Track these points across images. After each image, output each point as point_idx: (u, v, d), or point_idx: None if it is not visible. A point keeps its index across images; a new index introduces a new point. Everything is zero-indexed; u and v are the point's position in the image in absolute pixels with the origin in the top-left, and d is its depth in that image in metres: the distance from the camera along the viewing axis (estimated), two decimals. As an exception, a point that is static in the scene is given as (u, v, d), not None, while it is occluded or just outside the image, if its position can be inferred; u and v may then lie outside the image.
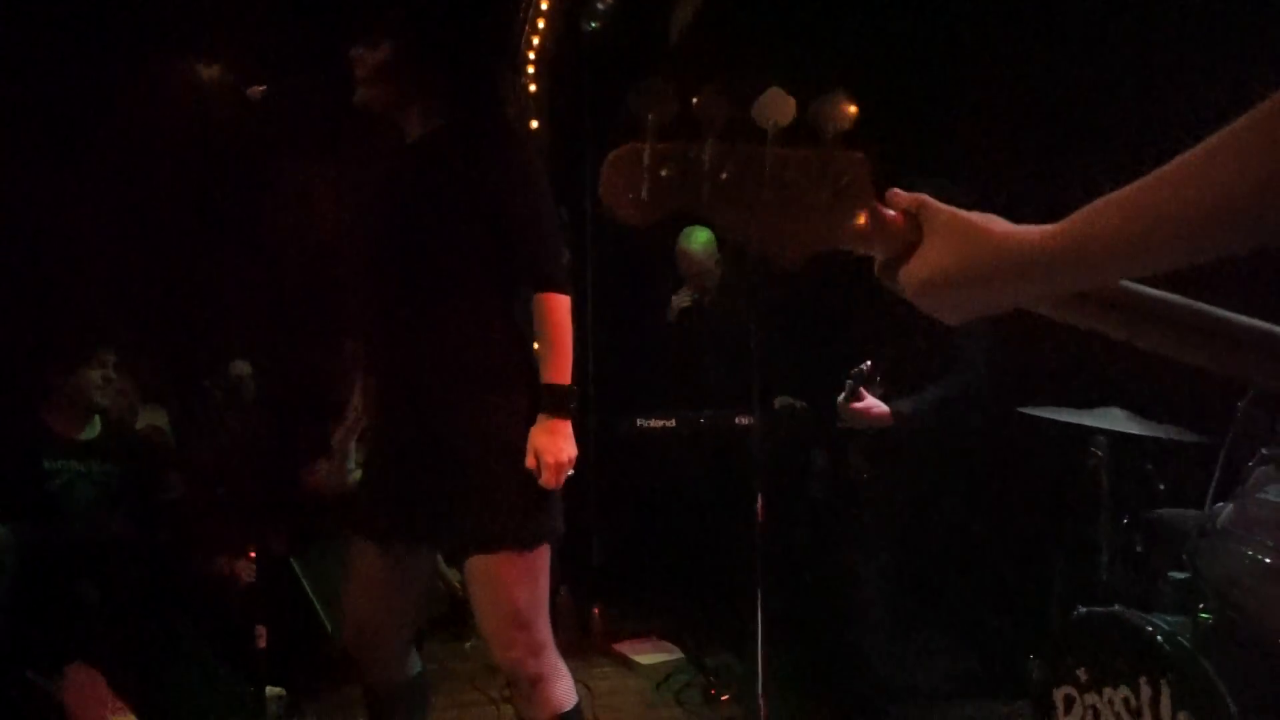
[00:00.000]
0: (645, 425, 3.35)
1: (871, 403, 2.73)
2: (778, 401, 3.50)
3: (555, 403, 1.80)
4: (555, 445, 1.78)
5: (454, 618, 3.83)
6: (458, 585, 3.96)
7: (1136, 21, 2.52)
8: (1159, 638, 1.86)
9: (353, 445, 3.95)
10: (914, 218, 0.73)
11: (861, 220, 0.70)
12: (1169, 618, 1.94)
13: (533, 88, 4.20)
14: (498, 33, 4.14)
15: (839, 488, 3.23)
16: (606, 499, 3.93)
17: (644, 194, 0.69)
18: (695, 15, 3.89)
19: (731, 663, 3.38)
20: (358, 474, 3.94)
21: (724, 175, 0.68)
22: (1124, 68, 2.58)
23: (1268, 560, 1.67)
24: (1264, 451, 1.82)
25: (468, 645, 3.68)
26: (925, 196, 0.73)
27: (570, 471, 1.81)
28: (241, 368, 3.91)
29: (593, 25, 3.75)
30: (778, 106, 0.67)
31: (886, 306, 2.85)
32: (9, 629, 2.48)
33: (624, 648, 3.68)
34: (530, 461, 1.78)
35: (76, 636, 2.61)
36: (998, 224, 0.70)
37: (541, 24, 4.10)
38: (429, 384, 1.82)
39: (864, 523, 2.95)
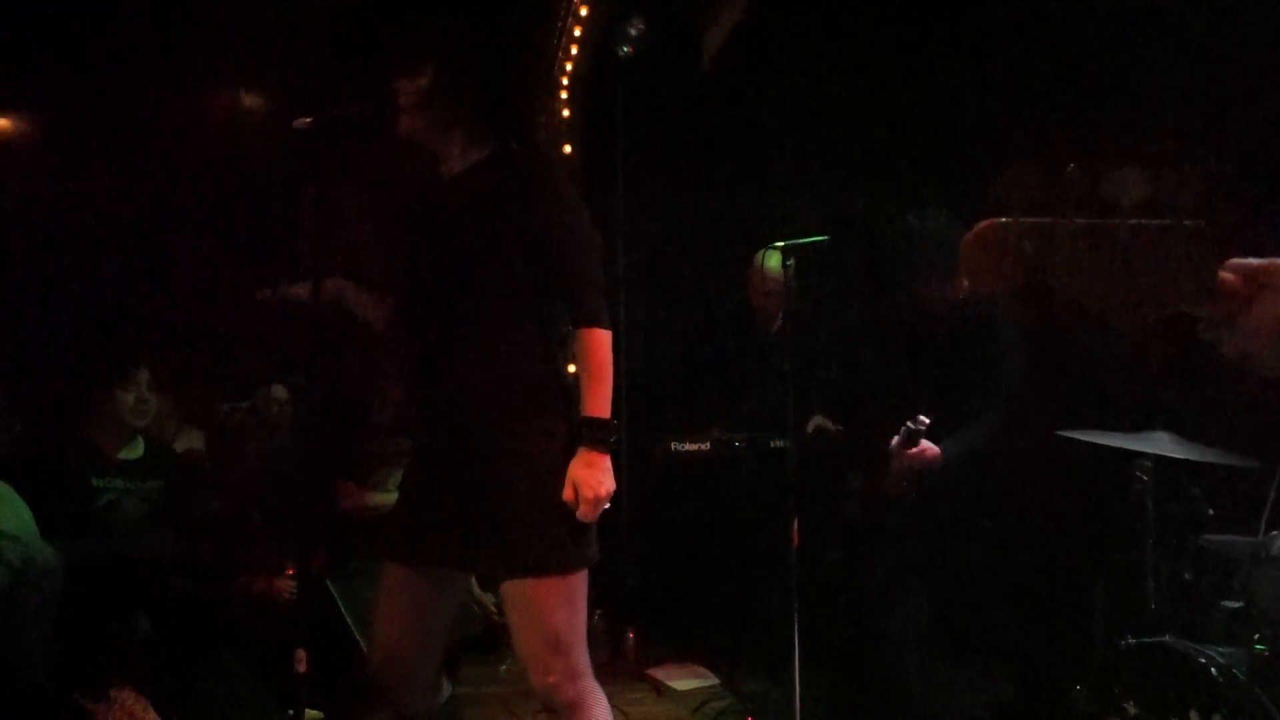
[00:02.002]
0: (680, 448, 3.34)
1: (925, 445, 2.73)
2: (811, 424, 3.48)
3: (595, 436, 1.81)
4: (594, 478, 1.80)
5: (488, 641, 3.83)
6: (493, 609, 3.97)
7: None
8: (1212, 669, 1.82)
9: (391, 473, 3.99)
10: (1253, 279, 0.80)
11: (1203, 286, 0.77)
12: (1221, 649, 1.90)
13: (566, 113, 4.25)
14: (534, 58, 4.20)
15: (875, 511, 3.20)
16: (641, 522, 3.92)
17: (1009, 264, 0.75)
18: (727, 41, 3.92)
19: (767, 689, 3.34)
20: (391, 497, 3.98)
21: (1082, 248, 0.74)
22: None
23: (1325, 590, 1.63)
24: (1319, 477, 1.78)
25: (502, 668, 3.68)
26: (1275, 261, 0.81)
27: (607, 505, 1.82)
28: (279, 391, 3.96)
29: (625, 50, 3.79)
30: (1132, 184, 0.73)
31: (927, 336, 2.84)
32: (56, 650, 2.51)
33: (659, 673, 3.65)
34: (568, 494, 1.80)
35: (123, 659, 2.64)
36: None
37: (575, 50, 4.15)
38: (469, 411, 1.85)
39: (901, 547, 2.91)
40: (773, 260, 3.52)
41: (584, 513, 1.79)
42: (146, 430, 3.10)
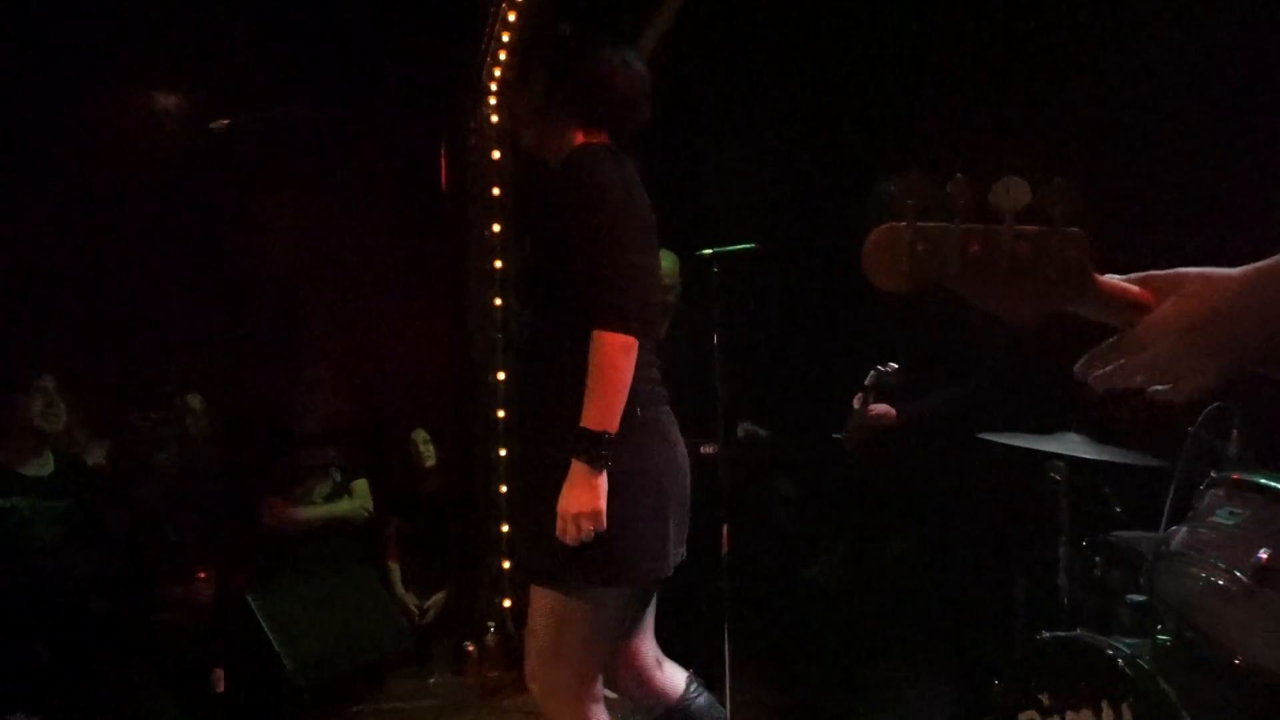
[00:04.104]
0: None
1: (884, 408, 2.77)
2: (741, 429, 3.51)
3: (579, 448, 1.69)
4: (568, 494, 1.69)
5: (417, 653, 3.76)
6: (414, 609, 3.91)
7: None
8: (1119, 660, 1.88)
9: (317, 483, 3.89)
10: (1159, 286, 0.85)
11: (1079, 289, 0.83)
12: (1129, 640, 1.97)
13: (495, 118, 4.21)
14: (460, 64, 4.16)
15: (804, 516, 3.24)
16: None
17: (904, 267, 0.81)
18: (656, 47, 3.94)
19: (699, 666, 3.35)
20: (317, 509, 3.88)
21: (971, 251, 0.81)
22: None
23: (1220, 582, 1.71)
24: (1214, 475, 1.86)
25: (432, 681, 3.62)
26: (1180, 271, 0.86)
27: (588, 527, 1.69)
28: (194, 401, 3.83)
29: (554, 57, 3.77)
30: (1014, 192, 0.80)
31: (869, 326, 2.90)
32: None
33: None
34: None
35: (24, 685, 2.52)
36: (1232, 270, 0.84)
37: (503, 55, 4.12)
38: (527, 415, 1.92)
39: (829, 552, 2.96)
40: (665, 262, 3.56)
41: (558, 530, 1.69)
42: (57, 443, 2.96)
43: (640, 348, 1.74)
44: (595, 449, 1.69)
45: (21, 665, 2.58)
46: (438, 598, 4.04)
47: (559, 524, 1.70)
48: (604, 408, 1.70)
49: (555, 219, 1.80)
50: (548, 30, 1.97)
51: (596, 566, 1.74)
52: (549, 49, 1.93)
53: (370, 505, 3.94)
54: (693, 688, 2.03)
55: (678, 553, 1.88)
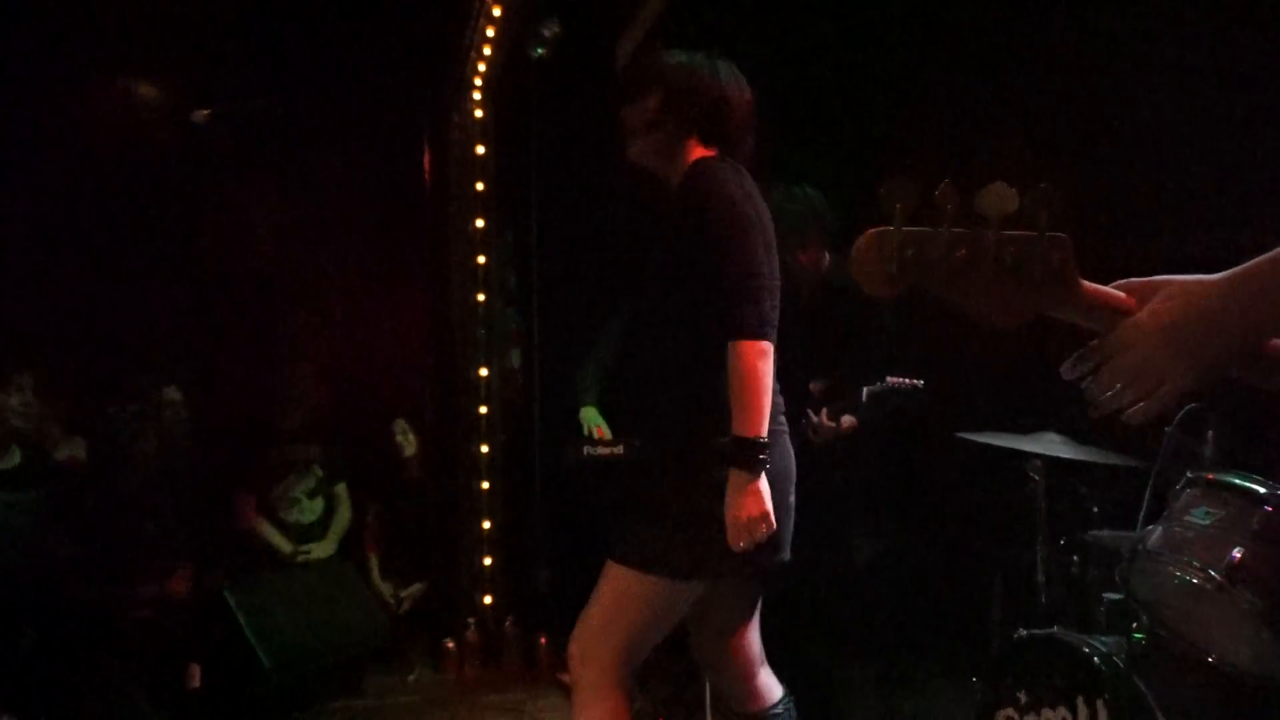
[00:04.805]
0: (592, 453, 3.33)
1: (850, 419, 2.84)
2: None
3: (736, 455, 1.74)
4: (735, 502, 1.73)
5: (396, 649, 3.75)
6: (390, 599, 3.89)
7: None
8: (1095, 658, 1.90)
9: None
10: (1139, 291, 0.87)
11: (1070, 293, 0.84)
12: (1105, 638, 1.99)
13: (479, 114, 4.19)
14: (444, 57, 4.14)
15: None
16: (553, 527, 3.90)
17: (893, 270, 0.81)
18: (640, 43, 3.94)
19: (679, 690, 3.36)
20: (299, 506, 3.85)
21: (958, 255, 0.81)
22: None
23: (1194, 580, 1.72)
24: (1190, 475, 1.89)
25: (410, 678, 3.61)
26: (1160, 277, 0.87)
27: (763, 529, 1.73)
28: (172, 394, 3.79)
29: (539, 52, 3.77)
30: (1001, 198, 0.80)
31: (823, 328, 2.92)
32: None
33: (571, 678, 3.63)
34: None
35: (2, 683, 2.49)
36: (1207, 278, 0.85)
37: (488, 50, 4.10)
38: (645, 421, 1.95)
39: (805, 550, 2.97)
40: None
41: (731, 541, 1.73)
42: (26, 437, 2.93)
43: None
44: (752, 455, 1.73)
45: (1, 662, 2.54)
46: (415, 588, 4.02)
47: (732, 534, 1.73)
48: (754, 414, 1.73)
49: (681, 231, 1.84)
50: (665, 45, 2.00)
51: (669, 555, 1.79)
52: (670, 66, 1.96)
53: (349, 516, 3.91)
54: (785, 702, 2.06)
55: (780, 555, 1.91)
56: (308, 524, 3.82)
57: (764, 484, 1.74)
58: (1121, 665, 1.87)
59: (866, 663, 2.86)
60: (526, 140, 3.94)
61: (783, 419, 1.93)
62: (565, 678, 3.64)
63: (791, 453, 1.94)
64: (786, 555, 1.93)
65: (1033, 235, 0.82)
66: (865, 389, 2.80)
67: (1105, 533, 2.32)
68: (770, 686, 2.06)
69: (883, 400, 2.78)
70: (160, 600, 3.01)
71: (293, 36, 4.13)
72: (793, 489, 1.92)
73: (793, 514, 1.93)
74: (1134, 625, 1.92)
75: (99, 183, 4.00)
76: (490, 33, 4.02)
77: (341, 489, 3.93)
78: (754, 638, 2.05)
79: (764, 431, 1.74)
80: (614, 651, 1.83)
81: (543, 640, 3.82)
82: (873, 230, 0.82)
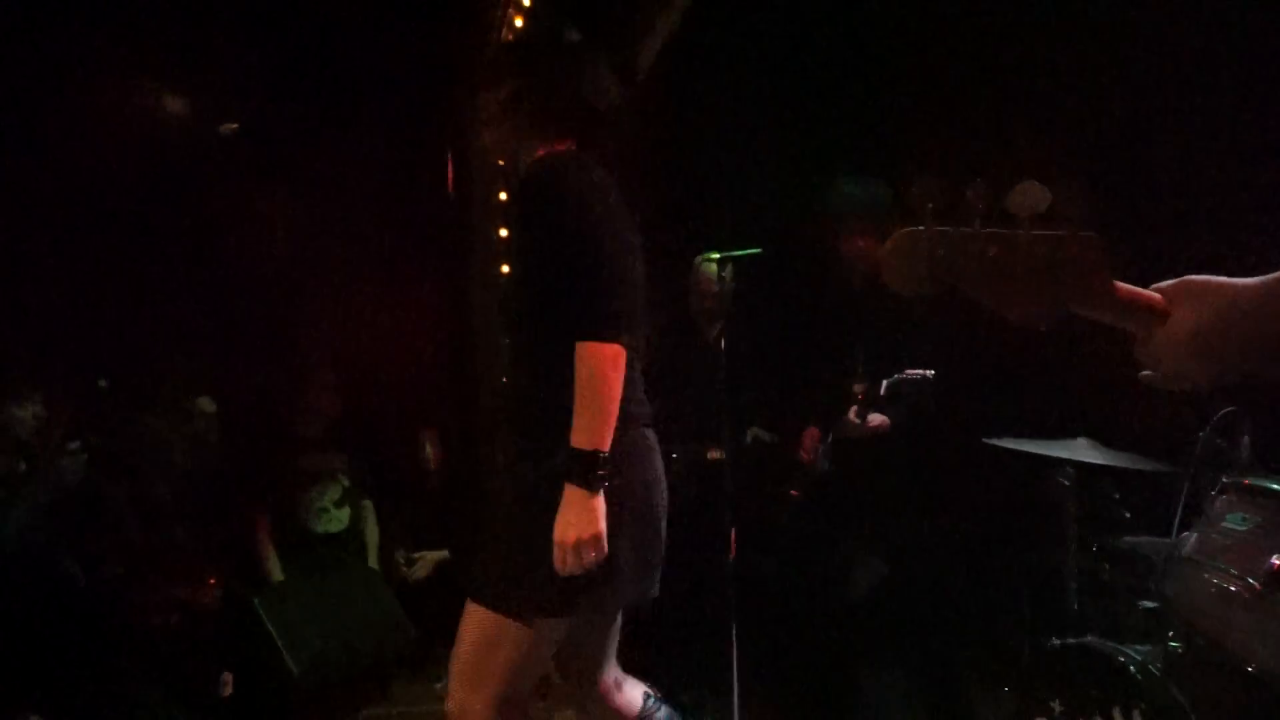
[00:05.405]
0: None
1: (881, 417, 2.82)
2: (750, 434, 3.51)
3: (570, 469, 1.58)
4: (564, 520, 1.58)
5: (421, 656, 3.76)
6: (402, 563, 3.86)
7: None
8: (1131, 667, 1.88)
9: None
10: (1171, 293, 0.86)
11: (1102, 293, 0.83)
12: (1140, 647, 1.96)
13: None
14: (467, 65, 4.16)
15: (811, 520, 3.24)
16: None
17: (924, 270, 0.81)
18: (659, 55, 3.95)
19: (706, 699, 3.34)
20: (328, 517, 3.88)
21: (989, 255, 0.81)
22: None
23: (1231, 588, 1.70)
24: (1225, 480, 1.86)
25: (438, 686, 3.61)
26: (1189, 278, 0.86)
27: (592, 554, 1.58)
28: (205, 404, 3.84)
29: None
30: (1033, 197, 0.80)
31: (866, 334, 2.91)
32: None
33: (596, 686, 3.62)
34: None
35: (30, 689, 2.52)
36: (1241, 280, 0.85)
37: (510, 60, 4.12)
38: (498, 430, 1.80)
39: (835, 558, 2.95)
40: (711, 266, 3.55)
41: (556, 560, 1.58)
42: (35, 448, 2.96)
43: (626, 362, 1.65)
44: (589, 470, 1.58)
45: (27, 659, 2.57)
46: (431, 554, 3.95)
47: (557, 555, 1.58)
48: (595, 424, 1.58)
49: (525, 229, 1.73)
50: (523, 34, 1.92)
51: (543, 593, 1.63)
52: (518, 53, 1.89)
53: (378, 531, 3.91)
54: (650, 703, 1.96)
55: (649, 583, 1.77)
56: (335, 533, 3.84)
57: (600, 503, 1.58)
58: (1158, 674, 1.85)
59: (895, 673, 2.84)
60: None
61: (650, 434, 1.77)
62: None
63: (662, 472, 1.78)
64: (655, 590, 1.78)
65: (1064, 234, 0.82)
66: (884, 381, 2.79)
67: (1138, 539, 2.29)
68: (632, 697, 1.95)
69: (899, 392, 2.77)
70: (190, 607, 3.04)
71: (317, 46, 4.18)
72: (664, 514, 1.76)
73: (664, 540, 1.77)
74: (1170, 633, 1.89)
75: (134, 192, 4.05)
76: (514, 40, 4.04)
77: (368, 507, 3.94)
78: (613, 663, 1.94)
79: (605, 445, 1.58)
80: (489, 703, 1.68)
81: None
82: (903, 230, 0.82)
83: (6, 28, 3.71)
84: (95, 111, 3.98)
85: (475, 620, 1.70)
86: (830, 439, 2.93)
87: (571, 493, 1.58)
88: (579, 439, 1.59)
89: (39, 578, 2.73)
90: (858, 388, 2.79)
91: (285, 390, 4.00)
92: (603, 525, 1.59)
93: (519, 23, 3.95)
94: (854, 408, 2.84)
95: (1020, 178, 0.81)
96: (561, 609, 1.66)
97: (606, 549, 1.60)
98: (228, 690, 2.14)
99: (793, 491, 3.00)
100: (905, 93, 3.35)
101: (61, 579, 2.80)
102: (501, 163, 1.77)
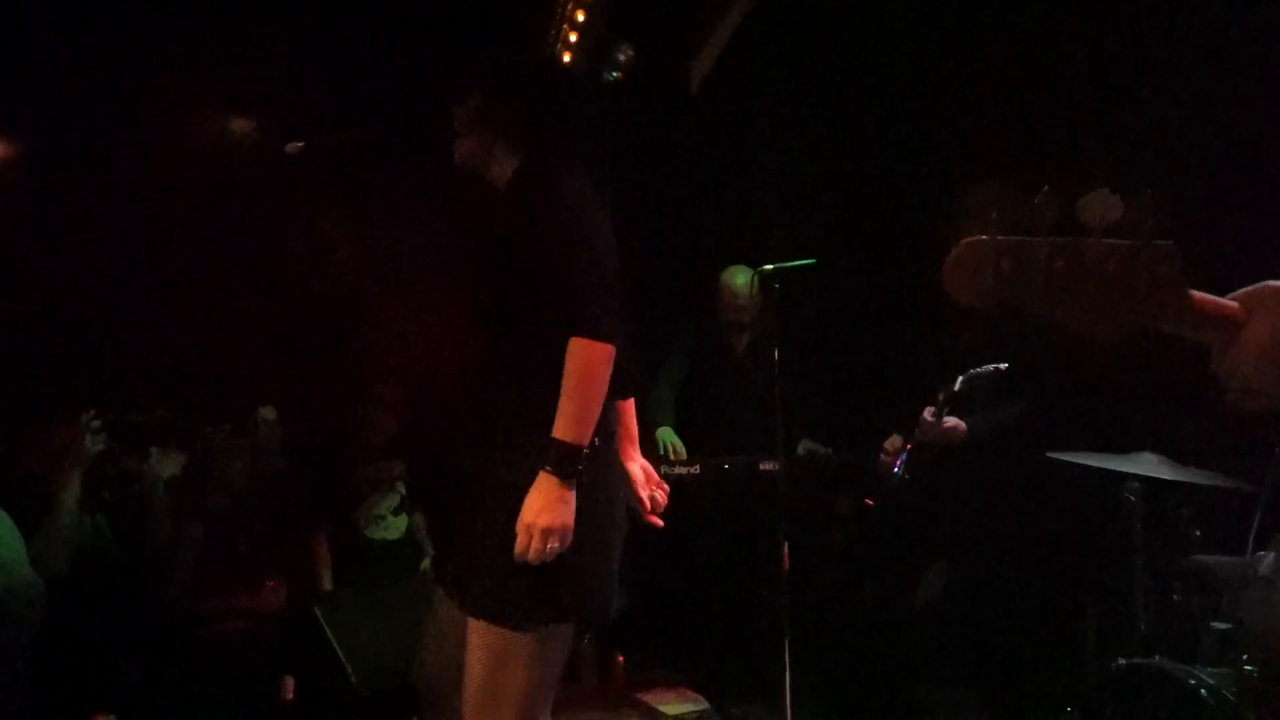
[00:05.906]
0: (670, 472, 3.33)
1: (955, 421, 2.82)
2: (802, 447, 3.49)
3: (553, 460, 1.57)
4: (533, 505, 1.56)
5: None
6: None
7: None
8: (1202, 690, 1.82)
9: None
10: (1249, 300, 0.84)
11: (1172, 304, 0.80)
12: (1211, 669, 1.90)
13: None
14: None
15: (865, 535, 3.20)
16: (630, 545, 3.90)
17: (989, 282, 0.78)
18: (714, 66, 3.96)
19: (759, 712, 3.32)
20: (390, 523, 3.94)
21: (1057, 266, 0.78)
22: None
23: (1312, 610, 1.64)
24: (1304, 498, 1.79)
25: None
26: (1268, 283, 0.83)
27: (554, 545, 1.56)
28: (267, 413, 3.93)
29: (614, 75, 3.82)
30: (1104, 206, 0.77)
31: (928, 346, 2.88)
32: (34, 677, 2.47)
33: (649, 697, 3.62)
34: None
35: (103, 689, 2.60)
36: None
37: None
38: (471, 431, 1.75)
39: (892, 572, 2.92)
40: (740, 279, 3.56)
41: (518, 545, 1.56)
42: (101, 461, 3.04)
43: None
44: (569, 461, 1.57)
45: (100, 661, 2.65)
46: None
47: (520, 539, 1.56)
48: (580, 419, 1.58)
49: (511, 231, 1.73)
50: (503, 47, 1.93)
51: (556, 598, 1.60)
52: (490, 68, 1.89)
53: (431, 545, 3.95)
54: None
55: (608, 605, 1.77)
56: (393, 540, 3.90)
57: (572, 497, 1.57)
58: (1231, 698, 1.78)
59: (958, 692, 2.79)
60: (599, 163, 3.99)
61: (615, 447, 1.76)
62: (643, 696, 3.64)
63: (622, 495, 1.78)
64: (614, 609, 1.77)
65: (1138, 245, 0.79)
66: (959, 377, 2.77)
67: (1209, 558, 2.22)
68: None
69: (975, 385, 2.75)
70: (253, 613, 3.12)
71: (383, 65, 4.27)
72: (622, 530, 1.77)
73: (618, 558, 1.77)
74: (1244, 656, 1.83)
75: (200, 210, 4.18)
76: (566, 58, 4.09)
77: (419, 521, 3.98)
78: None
79: (586, 441, 1.58)
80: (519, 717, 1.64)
81: (620, 659, 3.82)
82: (967, 240, 0.79)
83: (76, 51, 3.86)
84: (170, 140, 4.12)
85: (482, 638, 1.65)
86: (909, 449, 2.89)
87: (546, 480, 1.57)
88: (562, 431, 1.59)
89: (112, 583, 2.82)
90: (942, 397, 2.78)
91: (347, 401, 4.08)
92: (570, 519, 1.58)
93: (574, 39, 4.00)
94: (929, 407, 2.83)
95: (1091, 186, 0.78)
96: (566, 612, 1.65)
97: (570, 542, 1.59)
98: (289, 695, 2.18)
99: (867, 500, 2.96)
100: (972, 97, 3.30)
101: (133, 584, 2.89)
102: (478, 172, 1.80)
